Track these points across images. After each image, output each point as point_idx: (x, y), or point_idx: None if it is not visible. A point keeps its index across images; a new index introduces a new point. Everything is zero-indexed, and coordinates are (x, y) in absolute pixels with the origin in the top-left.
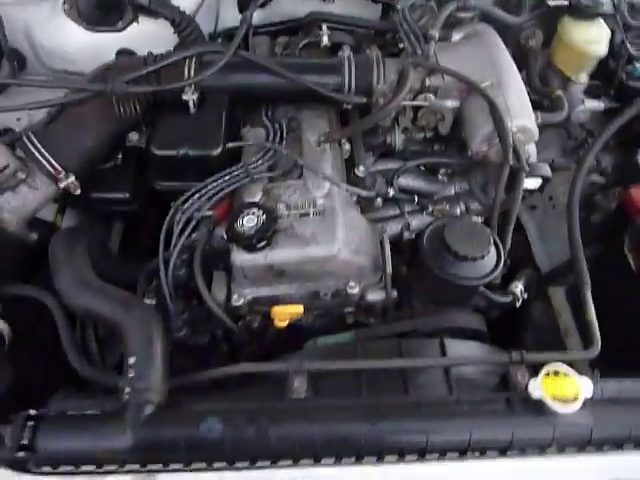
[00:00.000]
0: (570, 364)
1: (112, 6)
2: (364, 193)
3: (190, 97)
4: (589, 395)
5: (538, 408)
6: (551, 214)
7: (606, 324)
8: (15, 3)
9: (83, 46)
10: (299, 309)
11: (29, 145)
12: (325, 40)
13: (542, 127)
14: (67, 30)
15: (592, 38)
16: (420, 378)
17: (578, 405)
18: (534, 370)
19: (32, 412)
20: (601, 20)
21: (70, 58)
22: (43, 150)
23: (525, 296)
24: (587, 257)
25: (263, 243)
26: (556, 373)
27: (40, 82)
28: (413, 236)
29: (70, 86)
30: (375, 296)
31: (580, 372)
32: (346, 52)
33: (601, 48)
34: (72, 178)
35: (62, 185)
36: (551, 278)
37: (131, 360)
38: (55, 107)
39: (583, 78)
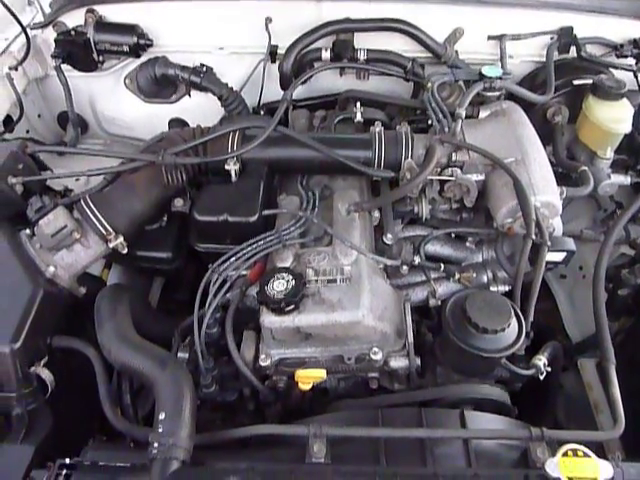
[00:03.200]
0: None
1: (168, 82)
2: (389, 262)
3: (232, 167)
4: (609, 477)
5: None
6: (581, 283)
7: (632, 398)
8: (83, 76)
9: (140, 115)
10: (322, 373)
11: (85, 208)
12: (359, 116)
13: (572, 198)
14: (127, 101)
15: (616, 117)
16: (439, 449)
17: None
18: (558, 444)
19: (67, 461)
20: (625, 99)
21: (127, 125)
22: (97, 213)
23: (549, 369)
24: (617, 331)
25: (291, 307)
26: (575, 453)
27: (100, 152)
28: (439, 303)
29: (125, 156)
30: (398, 363)
31: (609, 449)
32: (377, 128)
33: (625, 126)
34: (121, 239)
35: (112, 245)
36: (581, 349)
37: (161, 416)
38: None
39: (609, 153)
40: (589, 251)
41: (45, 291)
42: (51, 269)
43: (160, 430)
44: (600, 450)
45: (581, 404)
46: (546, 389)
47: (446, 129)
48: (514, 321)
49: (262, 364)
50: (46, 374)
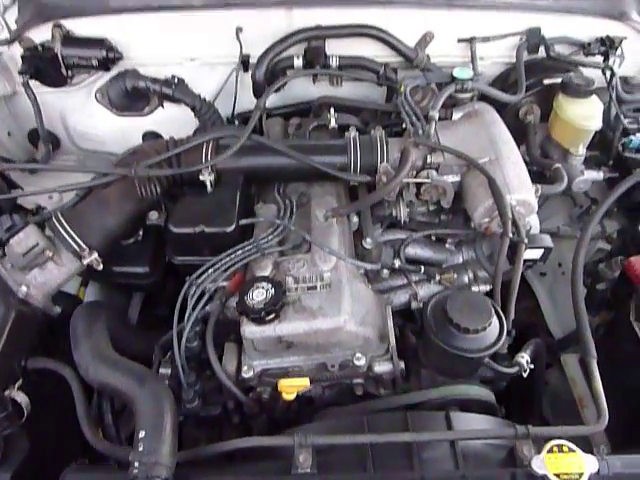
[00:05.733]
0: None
1: (139, 94)
2: (369, 267)
3: (207, 178)
4: (594, 470)
5: None
6: (561, 280)
7: (616, 391)
8: (53, 91)
9: (112, 129)
10: (305, 382)
11: (57, 225)
12: (333, 122)
13: (548, 196)
14: (98, 115)
15: (586, 114)
16: (426, 452)
17: None
18: (544, 441)
19: None
20: (594, 96)
21: (100, 140)
22: (70, 230)
23: (531, 367)
24: (597, 325)
25: (272, 316)
26: (560, 449)
27: (70, 167)
28: (421, 305)
29: (97, 171)
30: (382, 367)
31: (595, 443)
32: (352, 133)
33: (595, 123)
34: (95, 255)
35: (86, 262)
36: (564, 345)
37: (141, 434)
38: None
39: (581, 150)
40: (567, 248)
41: (18, 312)
42: (23, 289)
43: (140, 449)
44: (586, 444)
45: (566, 400)
46: (531, 386)
47: (420, 132)
48: (495, 320)
49: (245, 376)
50: (21, 397)
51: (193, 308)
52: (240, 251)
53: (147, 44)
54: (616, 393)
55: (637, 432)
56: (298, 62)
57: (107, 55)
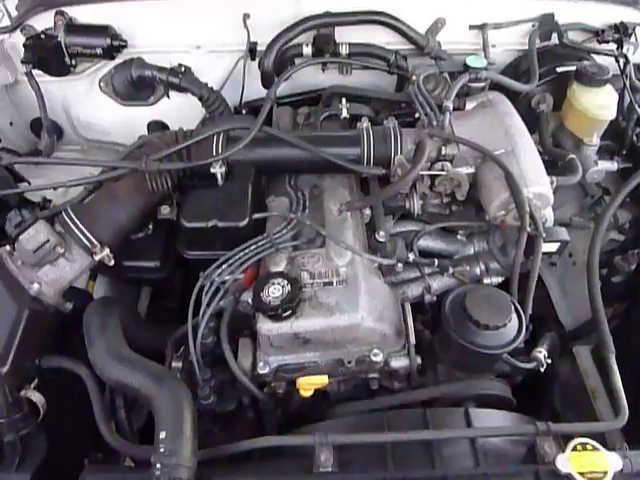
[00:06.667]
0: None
1: (145, 83)
2: (385, 262)
3: (218, 170)
4: (618, 468)
5: None
6: (572, 270)
7: (630, 384)
8: (56, 80)
9: (117, 119)
10: (323, 380)
11: (67, 220)
12: (344, 112)
13: (559, 186)
14: (103, 105)
15: (601, 103)
16: (446, 449)
17: None
18: (563, 438)
19: None
20: (609, 85)
21: (105, 130)
22: (80, 225)
23: (549, 361)
24: (611, 316)
25: (288, 312)
26: (584, 447)
27: (80, 160)
28: (434, 298)
29: (107, 164)
30: (399, 363)
31: (610, 437)
32: (364, 124)
33: (610, 112)
34: (107, 251)
35: (97, 258)
36: (576, 336)
37: (162, 435)
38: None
39: (595, 140)
40: (579, 238)
41: (30, 310)
42: (35, 286)
43: (162, 450)
44: (600, 438)
45: (577, 391)
46: (542, 377)
47: (434, 122)
48: (514, 316)
49: (260, 372)
50: (37, 397)
51: (208, 304)
52: (254, 246)
53: (152, 31)
54: (630, 386)
55: None
56: (307, 50)
57: (111, 43)
